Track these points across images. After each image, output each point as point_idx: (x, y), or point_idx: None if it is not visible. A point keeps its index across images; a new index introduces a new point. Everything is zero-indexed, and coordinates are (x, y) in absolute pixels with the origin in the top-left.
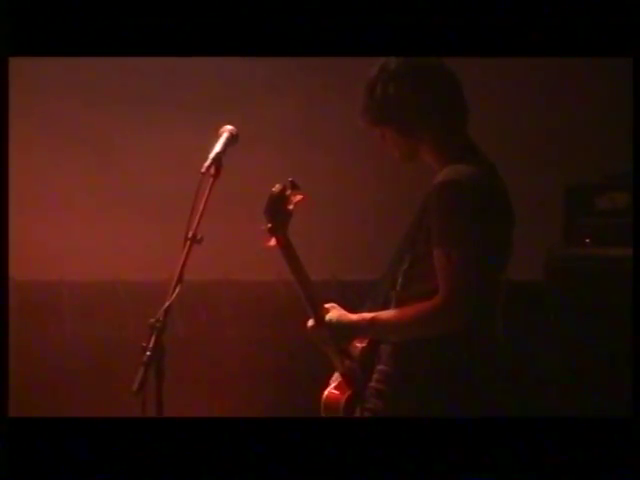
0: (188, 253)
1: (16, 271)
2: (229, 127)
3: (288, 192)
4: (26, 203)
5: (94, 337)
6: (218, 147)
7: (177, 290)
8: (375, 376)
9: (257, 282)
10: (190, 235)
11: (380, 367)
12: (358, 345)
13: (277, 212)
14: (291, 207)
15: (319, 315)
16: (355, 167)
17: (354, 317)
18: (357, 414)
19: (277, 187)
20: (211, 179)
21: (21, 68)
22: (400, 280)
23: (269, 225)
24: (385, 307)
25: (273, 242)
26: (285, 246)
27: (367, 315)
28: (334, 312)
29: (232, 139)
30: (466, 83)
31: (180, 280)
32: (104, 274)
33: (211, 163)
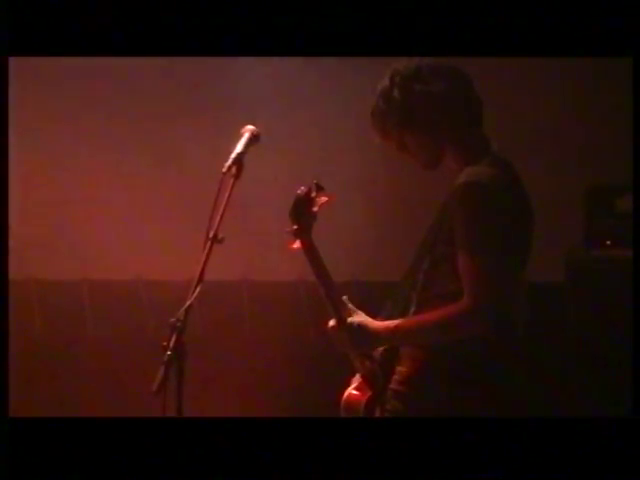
0: (209, 253)
1: (38, 271)
2: (250, 127)
3: (313, 194)
4: (45, 202)
5: (115, 336)
6: (239, 147)
7: (198, 290)
8: (395, 377)
9: (277, 283)
10: (211, 235)
11: (400, 368)
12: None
13: (302, 214)
14: (316, 209)
15: (341, 317)
16: (377, 167)
17: (376, 325)
18: (377, 415)
19: (302, 189)
20: (232, 179)
21: (21, 68)
22: (421, 281)
23: (295, 227)
24: (405, 308)
25: (298, 244)
26: (309, 248)
27: (390, 324)
28: (357, 317)
29: (253, 139)
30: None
31: (201, 280)
32: (125, 273)
33: (232, 163)
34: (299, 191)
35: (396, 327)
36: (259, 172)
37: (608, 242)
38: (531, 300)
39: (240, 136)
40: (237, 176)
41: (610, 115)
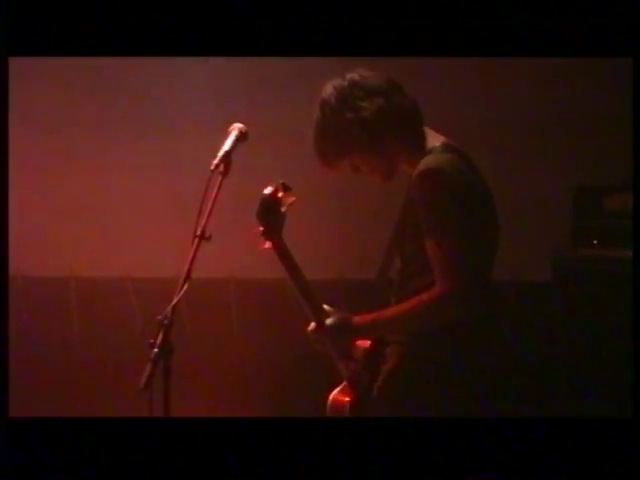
0: (196, 250)
1: (25, 267)
2: (238, 125)
3: (280, 194)
4: (34, 201)
5: (102, 333)
6: (227, 145)
7: (185, 287)
8: (382, 376)
9: (264, 280)
10: (199, 232)
11: (385, 367)
12: (362, 346)
13: (269, 215)
14: (284, 209)
15: (319, 319)
16: None
17: (355, 319)
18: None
19: (268, 190)
20: (220, 176)
21: (21, 68)
22: (396, 281)
23: (261, 228)
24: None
25: (268, 245)
26: (280, 249)
27: (368, 316)
28: (335, 315)
29: (241, 137)
30: (467, 83)
31: (188, 277)
32: (112, 271)
33: (220, 161)
34: (265, 192)
35: (374, 318)
36: (247, 169)
37: (595, 242)
38: (518, 299)
39: (228, 134)
40: (225, 173)
41: (609, 115)
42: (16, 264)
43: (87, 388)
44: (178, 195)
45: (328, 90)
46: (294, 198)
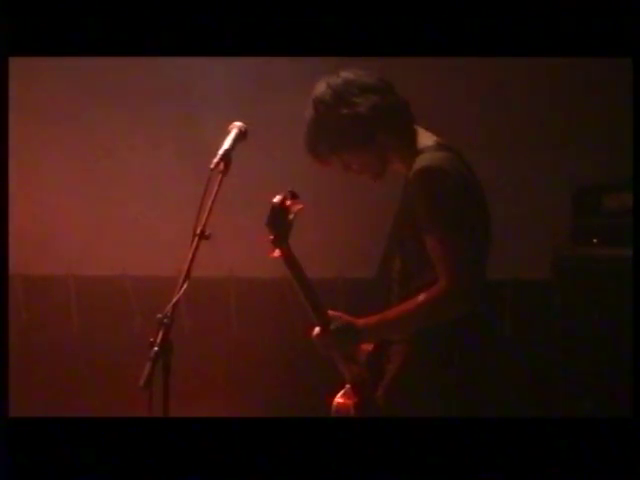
0: (196, 249)
1: (24, 266)
2: (238, 123)
3: (288, 202)
4: (33, 199)
5: (101, 332)
6: (227, 143)
7: (185, 286)
8: (386, 375)
9: (263, 279)
10: (198, 231)
11: (389, 367)
12: (365, 349)
13: (279, 223)
14: (291, 217)
15: (324, 323)
16: None
17: (359, 323)
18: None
19: (278, 198)
20: (220, 175)
21: (21, 68)
22: (396, 281)
23: (271, 237)
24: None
25: (277, 253)
26: (288, 256)
27: (372, 318)
28: (339, 320)
29: (241, 135)
30: (467, 83)
31: (188, 276)
32: (112, 269)
33: (220, 159)
34: (274, 200)
35: (379, 319)
36: (247, 168)
37: (595, 240)
38: (517, 297)
39: (228, 132)
40: (225, 172)
41: (609, 114)
42: (15, 262)
43: (87, 387)
44: (178, 193)
45: (322, 88)
46: (302, 206)
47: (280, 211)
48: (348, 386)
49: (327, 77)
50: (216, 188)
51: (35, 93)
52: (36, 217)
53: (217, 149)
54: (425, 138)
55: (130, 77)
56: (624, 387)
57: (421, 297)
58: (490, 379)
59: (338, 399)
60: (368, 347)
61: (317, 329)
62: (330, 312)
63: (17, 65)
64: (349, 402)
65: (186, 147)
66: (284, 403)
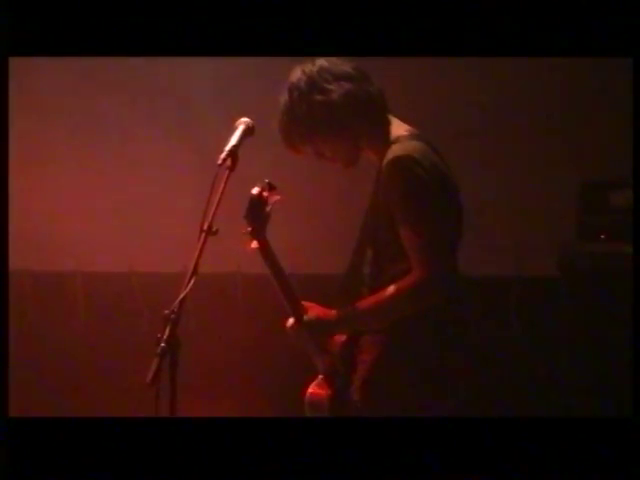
0: (203, 245)
1: (31, 262)
2: (245, 119)
3: (266, 194)
4: (40, 196)
5: (108, 328)
6: (234, 139)
7: (192, 282)
8: (360, 367)
9: (269, 275)
10: (205, 227)
11: (363, 357)
12: (337, 339)
13: (257, 215)
14: (269, 209)
15: (298, 314)
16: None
17: (333, 314)
18: (348, 409)
19: (256, 190)
20: (227, 171)
21: (21, 68)
22: (368, 272)
23: (250, 229)
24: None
25: (255, 245)
26: (265, 248)
27: (346, 309)
28: (313, 310)
29: (248, 131)
30: (468, 82)
31: (195, 272)
32: (119, 265)
33: (227, 155)
34: (253, 192)
35: (352, 311)
36: (253, 164)
37: (602, 236)
38: (524, 293)
39: (235, 128)
40: (232, 168)
41: (609, 114)
42: (22, 259)
43: (93, 384)
44: (185, 190)
45: (297, 74)
46: (279, 197)
47: (258, 203)
48: (321, 377)
49: (303, 64)
50: (223, 184)
51: (35, 93)
52: (44, 214)
53: (224, 145)
54: (398, 128)
55: (134, 76)
56: (625, 386)
57: (394, 287)
58: (485, 376)
59: (311, 389)
60: (341, 338)
61: (291, 320)
62: (304, 303)
63: (17, 65)
64: (323, 393)
65: (192, 144)
66: (291, 399)
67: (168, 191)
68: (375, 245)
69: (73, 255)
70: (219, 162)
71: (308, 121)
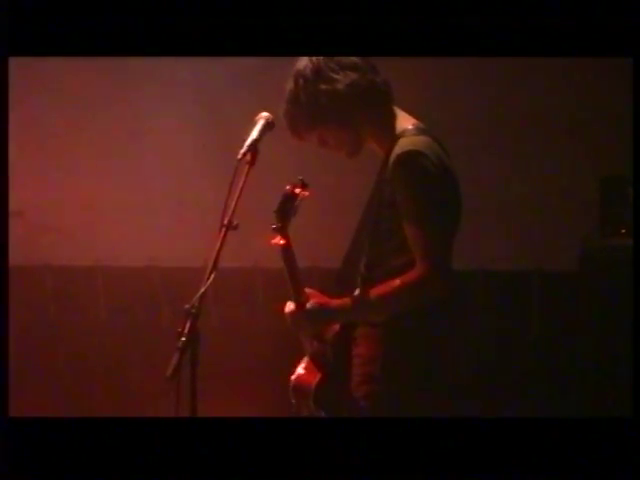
0: (224, 239)
1: (53, 257)
2: (265, 114)
3: (298, 191)
4: (59, 191)
5: (129, 323)
6: (254, 134)
7: (212, 276)
8: (357, 360)
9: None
10: (226, 222)
11: (359, 350)
12: (332, 328)
13: (287, 212)
14: (297, 205)
15: (300, 300)
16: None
17: (335, 302)
18: (350, 402)
19: (289, 187)
20: (247, 166)
21: (21, 68)
22: (365, 262)
23: (279, 225)
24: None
25: (279, 240)
26: (287, 245)
27: (347, 299)
28: (315, 298)
29: (268, 126)
30: (468, 82)
31: (215, 266)
32: (139, 260)
33: (247, 150)
34: (287, 188)
35: (355, 301)
36: (273, 158)
37: (623, 230)
38: (545, 289)
39: (255, 123)
40: (252, 163)
41: (610, 114)
42: (43, 254)
43: (116, 377)
44: (205, 184)
45: (303, 62)
46: (307, 193)
47: (290, 200)
48: (307, 359)
49: None
50: (243, 178)
51: (36, 93)
52: (64, 209)
53: (244, 140)
54: (404, 120)
55: (137, 75)
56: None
57: (398, 281)
58: (485, 377)
59: (300, 371)
60: (335, 327)
61: (291, 305)
62: (307, 290)
63: (17, 65)
64: (311, 378)
65: (213, 138)
66: None
67: (189, 186)
68: (375, 237)
69: (93, 250)
70: (239, 157)
71: (312, 109)
